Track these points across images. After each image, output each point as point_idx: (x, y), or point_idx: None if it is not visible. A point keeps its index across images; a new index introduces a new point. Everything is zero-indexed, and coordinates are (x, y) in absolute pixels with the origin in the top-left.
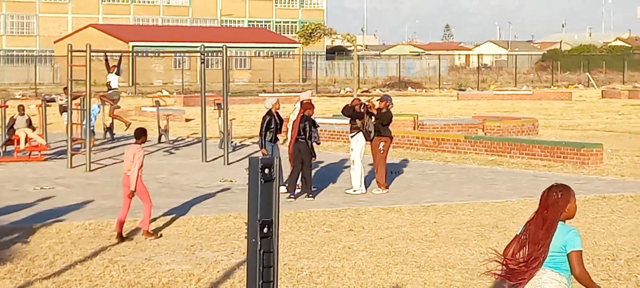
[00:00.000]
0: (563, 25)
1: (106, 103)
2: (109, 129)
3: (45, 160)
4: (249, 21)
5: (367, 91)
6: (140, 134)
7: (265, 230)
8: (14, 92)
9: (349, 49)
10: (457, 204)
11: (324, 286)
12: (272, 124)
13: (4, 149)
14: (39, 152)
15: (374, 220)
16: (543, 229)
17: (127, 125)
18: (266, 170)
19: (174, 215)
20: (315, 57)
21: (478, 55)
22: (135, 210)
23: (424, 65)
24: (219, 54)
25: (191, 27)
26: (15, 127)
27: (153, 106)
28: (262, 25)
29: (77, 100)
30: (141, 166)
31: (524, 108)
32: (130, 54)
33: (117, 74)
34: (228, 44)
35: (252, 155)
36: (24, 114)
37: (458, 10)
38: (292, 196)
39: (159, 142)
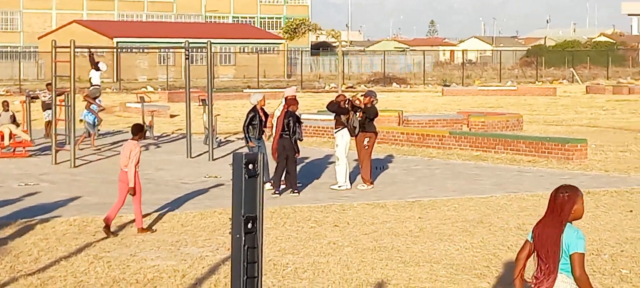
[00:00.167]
0: (547, 21)
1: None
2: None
3: (30, 156)
4: (234, 17)
5: (351, 87)
6: (137, 130)
7: (249, 225)
8: None
9: (333, 44)
10: (441, 200)
11: (309, 282)
12: (255, 120)
13: None
14: (23, 148)
15: (358, 216)
16: (550, 232)
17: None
18: (250, 166)
19: (158, 211)
20: (300, 52)
21: (463, 51)
22: (124, 206)
23: (409, 61)
24: (204, 50)
25: (175, 23)
26: None
27: (137, 102)
28: (246, 21)
29: (62, 97)
30: (138, 162)
31: (509, 104)
32: (115, 50)
33: (97, 69)
34: (212, 40)
35: (237, 151)
36: (8, 110)
37: (443, 6)
38: (277, 192)
39: (144, 138)
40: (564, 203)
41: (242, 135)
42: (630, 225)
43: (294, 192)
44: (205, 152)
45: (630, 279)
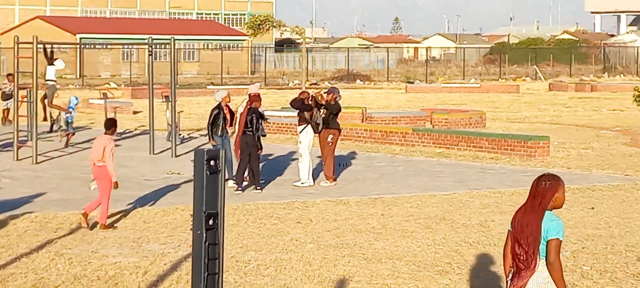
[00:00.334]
0: (511, 19)
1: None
2: (55, 120)
3: None
4: (198, 13)
5: (315, 84)
6: (110, 125)
7: (210, 222)
8: None
9: (297, 41)
10: (404, 196)
11: (271, 278)
12: (219, 117)
13: None
14: None
15: (321, 213)
16: (530, 219)
17: (51, 119)
18: (212, 162)
19: (121, 208)
20: (263, 49)
21: (426, 48)
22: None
23: (373, 58)
24: (167, 46)
25: (139, 19)
26: None
27: (100, 98)
28: (210, 17)
29: (24, 92)
30: (112, 157)
31: (472, 101)
32: (78, 46)
33: (52, 64)
34: (176, 36)
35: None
36: None
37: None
38: (239, 189)
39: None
40: (545, 191)
41: (206, 132)
42: (592, 222)
43: (256, 189)
44: (168, 149)
45: (591, 276)
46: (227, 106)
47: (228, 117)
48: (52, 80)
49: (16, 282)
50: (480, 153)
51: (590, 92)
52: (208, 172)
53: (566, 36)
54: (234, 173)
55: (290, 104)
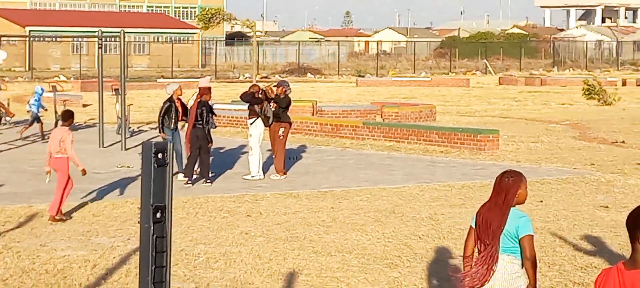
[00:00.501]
0: (461, 13)
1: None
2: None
3: None
4: (148, 6)
5: (266, 77)
6: (68, 116)
7: (158, 215)
8: None
9: (248, 34)
10: (354, 190)
11: (221, 271)
12: (171, 110)
13: None
14: None
15: (271, 206)
16: (495, 215)
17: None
18: (159, 155)
19: (70, 201)
20: (214, 42)
21: (377, 41)
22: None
23: (324, 51)
24: (117, 39)
25: (89, 11)
26: None
27: (50, 91)
28: (161, 10)
29: None
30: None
31: (422, 94)
32: (27, 38)
33: None
34: (126, 29)
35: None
36: None
37: None
38: (189, 182)
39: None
40: (509, 188)
41: (157, 125)
42: (541, 215)
43: (206, 182)
44: (117, 142)
45: (540, 268)
46: (179, 99)
47: (180, 110)
48: None
49: None
50: (430, 146)
51: (540, 86)
52: (155, 165)
53: (516, 30)
54: (184, 166)
55: (241, 97)
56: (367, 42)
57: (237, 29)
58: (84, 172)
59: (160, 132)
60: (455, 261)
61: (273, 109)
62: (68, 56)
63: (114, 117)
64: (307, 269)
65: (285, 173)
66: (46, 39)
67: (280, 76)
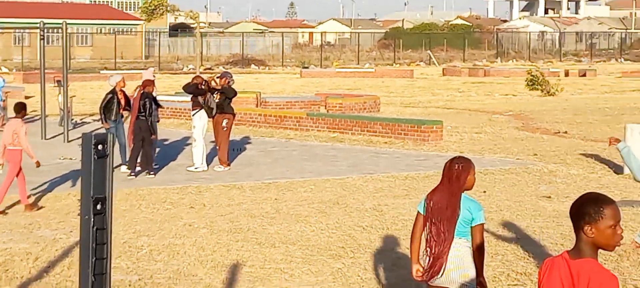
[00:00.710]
0: (405, 4)
1: None
2: None
3: None
4: None
5: (210, 68)
6: (20, 108)
7: (98, 206)
8: None
9: (192, 26)
10: (298, 181)
11: (164, 263)
12: (113, 102)
13: None
14: None
15: (215, 198)
16: (448, 200)
17: None
18: (100, 146)
19: (11, 194)
20: (158, 34)
21: (321, 33)
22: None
23: (268, 42)
24: (60, 31)
25: (31, 2)
26: None
27: None
28: (104, 1)
29: None
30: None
31: (366, 85)
32: None
33: None
34: (68, 21)
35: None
36: None
37: None
38: (133, 174)
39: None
40: (460, 173)
41: (99, 117)
42: (484, 206)
43: (150, 174)
44: (60, 134)
45: None
46: (122, 91)
47: (122, 102)
48: None
49: None
50: (374, 137)
51: (483, 77)
52: (96, 157)
53: (460, 21)
54: (128, 158)
55: (184, 88)
56: (311, 34)
57: (180, 20)
58: (38, 164)
59: (103, 123)
60: (399, 252)
61: (217, 100)
62: (10, 47)
63: (57, 109)
64: (251, 261)
65: (229, 165)
66: None
67: (224, 67)
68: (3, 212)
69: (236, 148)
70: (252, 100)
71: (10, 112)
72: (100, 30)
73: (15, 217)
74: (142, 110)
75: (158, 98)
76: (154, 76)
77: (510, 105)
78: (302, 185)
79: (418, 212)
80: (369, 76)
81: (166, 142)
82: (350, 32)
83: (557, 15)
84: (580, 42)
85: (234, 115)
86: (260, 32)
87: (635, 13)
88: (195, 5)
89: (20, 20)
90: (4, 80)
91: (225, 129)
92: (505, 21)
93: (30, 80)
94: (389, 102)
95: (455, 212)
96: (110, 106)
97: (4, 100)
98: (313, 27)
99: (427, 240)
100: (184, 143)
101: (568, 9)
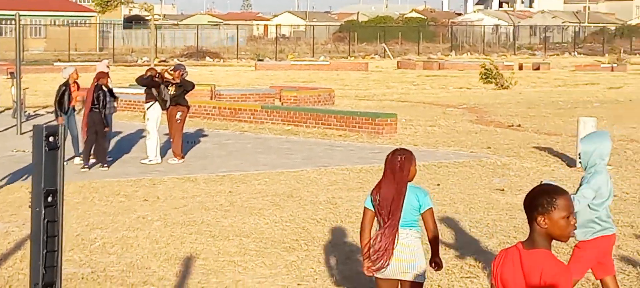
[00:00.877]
0: None
1: None
2: None
3: None
4: None
5: (164, 61)
6: None
7: (49, 199)
8: None
9: (146, 18)
10: (252, 174)
11: (118, 256)
12: (66, 94)
13: None
14: None
15: (169, 190)
16: (395, 192)
17: None
18: (51, 138)
19: None
20: (112, 26)
21: (276, 25)
22: None
23: (222, 35)
24: (12, 22)
25: None
26: None
27: None
28: None
29: None
30: None
31: (321, 78)
32: None
33: None
34: (21, 12)
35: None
36: None
37: None
38: (86, 166)
39: None
40: (403, 164)
41: (53, 109)
42: (437, 199)
43: (103, 166)
44: (13, 126)
45: None
46: (76, 83)
47: (75, 94)
48: None
49: None
50: (329, 130)
51: (438, 70)
52: (47, 148)
53: (415, 15)
54: (80, 150)
55: (137, 80)
56: (266, 26)
57: (135, 12)
58: None
59: (57, 117)
60: (352, 245)
61: (173, 93)
62: None
63: (10, 101)
64: (205, 253)
65: (183, 157)
66: None
67: (178, 60)
68: None
69: (190, 141)
70: (206, 92)
71: None
72: (54, 22)
73: None
74: (95, 103)
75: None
76: (108, 68)
77: (465, 98)
78: (257, 178)
79: (365, 207)
80: (324, 69)
81: (120, 135)
82: (305, 25)
83: (512, 8)
84: (534, 35)
85: (188, 107)
86: (215, 25)
87: (589, 7)
88: None
89: None
90: None
91: (179, 121)
92: (459, 14)
93: None
94: (343, 94)
95: (401, 203)
96: (62, 99)
97: None
98: (268, 20)
99: (376, 234)
100: (138, 135)
101: (522, 2)
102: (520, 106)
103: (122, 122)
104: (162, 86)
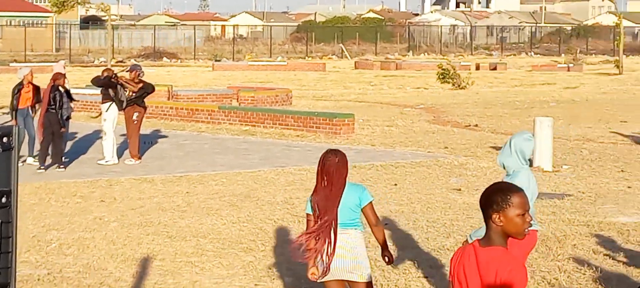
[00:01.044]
0: None
1: None
2: None
3: None
4: None
5: (121, 61)
6: None
7: (3, 200)
8: None
9: (103, 18)
10: (210, 174)
11: (74, 257)
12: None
13: None
14: None
15: (126, 191)
16: (333, 194)
17: None
18: (5, 139)
19: None
20: (69, 26)
21: (234, 25)
22: None
23: (180, 35)
24: None
25: None
26: None
27: None
28: None
29: None
30: None
31: (279, 79)
32: None
33: None
34: None
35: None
36: None
37: None
38: (42, 167)
39: None
40: (339, 167)
41: (8, 110)
42: (395, 198)
43: (59, 167)
44: None
45: (393, 251)
46: (31, 83)
47: (31, 94)
48: None
49: None
50: (286, 130)
51: (395, 70)
52: (0, 149)
53: (372, 15)
54: (36, 151)
55: (92, 81)
56: (223, 27)
57: (91, 12)
58: None
59: (14, 118)
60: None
61: (135, 95)
62: None
63: None
64: (162, 254)
65: (139, 158)
66: None
67: (135, 60)
68: None
69: (147, 142)
70: (163, 93)
71: None
72: (10, 22)
73: None
74: (52, 104)
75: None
76: (64, 69)
77: (422, 98)
78: (214, 179)
79: (307, 213)
80: (282, 69)
81: (77, 135)
82: (263, 25)
83: (468, 9)
84: (491, 36)
85: (145, 108)
86: (172, 25)
87: (546, 7)
88: None
89: None
90: None
91: (136, 122)
92: (417, 15)
93: None
94: (301, 95)
95: (338, 201)
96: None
97: None
98: (225, 20)
99: (306, 234)
100: (94, 136)
101: (479, 3)
102: (477, 106)
103: (78, 123)
104: (119, 87)
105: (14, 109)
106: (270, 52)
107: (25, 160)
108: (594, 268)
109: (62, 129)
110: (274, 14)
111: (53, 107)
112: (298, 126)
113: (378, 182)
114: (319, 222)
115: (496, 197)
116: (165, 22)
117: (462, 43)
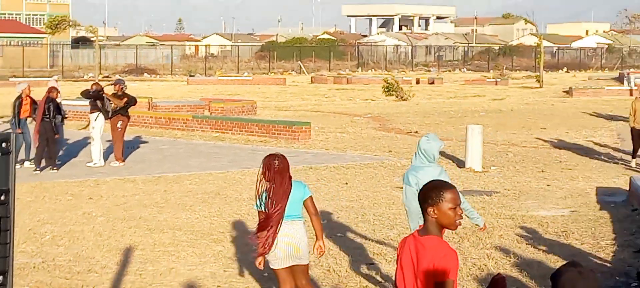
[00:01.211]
0: (279, 20)
1: None
2: None
3: None
4: (1, 13)
5: (108, 76)
6: None
7: (2, 197)
8: None
9: (92, 39)
10: (185, 175)
11: (66, 248)
12: (20, 106)
13: None
14: None
15: (111, 190)
16: (284, 191)
17: None
18: (3, 144)
19: None
20: (61, 46)
21: (206, 45)
22: None
23: (159, 54)
24: None
25: None
26: None
27: None
28: (13, 17)
29: None
30: None
31: (245, 91)
32: None
33: None
34: None
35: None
36: None
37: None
38: (37, 169)
39: None
40: (284, 167)
41: (10, 120)
42: (346, 195)
43: (53, 169)
44: None
45: (344, 241)
46: (28, 96)
47: (28, 106)
48: None
49: None
50: (252, 137)
51: (347, 84)
52: (0, 153)
53: (326, 36)
54: (32, 156)
55: (82, 94)
56: (197, 46)
57: (81, 34)
58: None
59: (17, 127)
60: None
61: (121, 105)
62: None
63: None
64: (142, 245)
65: (123, 161)
66: None
67: (120, 75)
68: None
69: (130, 147)
70: (144, 104)
71: None
72: (10, 42)
73: None
74: (46, 113)
75: (63, 102)
76: (58, 83)
77: (369, 108)
78: (188, 179)
79: (258, 210)
80: (248, 83)
81: (68, 141)
82: (231, 45)
83: (410, 31)
84: (430, 54)
85: (128, 117)
86: (152, 45)
87: (476, 30)
88: (94, 21)
89: None
90: None
91: (120, 129)
92: (365, 36)
93: None
94: (264, 106)
95: (286, 197)
96: (17, 110)
97: None
98: (198, 41)
99: (258, 227)
100: (83, 142)
101: (419, 25)
102: (417, 115)
103: (69, 131)
104: (105, 99)
105: (17, 119)
106: (237, 69)
107: (23, 163)
108: (518, 256)
109: (56, 135)
110: (241, 35)
111: (47, 116)
112: (262, 133)
113: (331, 181)
114: (272, 215)
115: (431, 193)
116: (146, 42)
117: (404, 60)
